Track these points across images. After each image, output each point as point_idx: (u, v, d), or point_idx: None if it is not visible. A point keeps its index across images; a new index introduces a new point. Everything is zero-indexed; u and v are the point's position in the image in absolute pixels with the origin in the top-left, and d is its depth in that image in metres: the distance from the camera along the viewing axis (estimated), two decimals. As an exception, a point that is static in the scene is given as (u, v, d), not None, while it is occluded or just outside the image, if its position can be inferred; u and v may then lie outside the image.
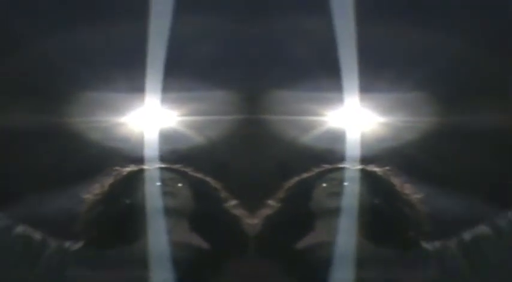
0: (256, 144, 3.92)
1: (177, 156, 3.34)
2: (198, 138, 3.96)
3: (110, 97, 3.86)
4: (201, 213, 2.60)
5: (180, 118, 3.95)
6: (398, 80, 3.99)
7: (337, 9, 3.74)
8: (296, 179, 2.71)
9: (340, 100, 3.87)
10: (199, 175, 2.73)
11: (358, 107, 3.97)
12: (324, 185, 2.66)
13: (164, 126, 3.89)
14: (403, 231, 2.62)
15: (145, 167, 2.70)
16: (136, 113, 3.87)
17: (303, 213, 2.63)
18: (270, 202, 2.67)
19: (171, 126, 3.93)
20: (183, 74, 3.85)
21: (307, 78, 3.99)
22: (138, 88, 3.70)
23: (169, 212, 2.55)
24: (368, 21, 3.78)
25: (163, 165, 2.73)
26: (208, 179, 2.72)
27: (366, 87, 3.85)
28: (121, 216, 2.56)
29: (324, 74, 3.90)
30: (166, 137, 3.77)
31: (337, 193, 2.62)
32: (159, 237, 2.49)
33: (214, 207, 2.63)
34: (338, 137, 3.85)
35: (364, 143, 3.70)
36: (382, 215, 2.60)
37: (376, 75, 3.93)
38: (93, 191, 2.63)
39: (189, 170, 2.73)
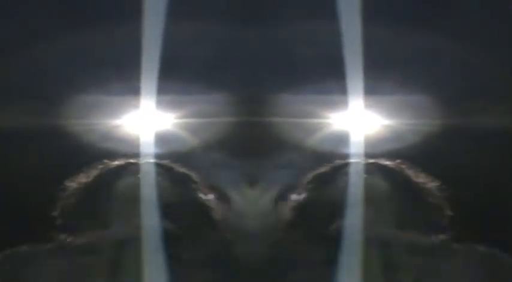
0: (257, 146, 3.88)
1: (176, 159, 3.32)
2: (197, 141, 3.94)
3: (104, 100, 3.86)
4: (179, 206, 2.62)
5: (179, 121, 3.93)
6: (404, 82, 3.96)
7: (342, 11, 3.73)
8: (313, 173, 2.69)
9: (345, 102, 3.84)
10: (185, 170, 2.75)
11: (363, 110, 3.93)
12: (344, 177, 2.68)
13: (163, 129, 3.88)
14: (425, 219, 2.66)
15: (133, 160, 2.74)
16: (132, 116, 3.86)
17: (325, 207, 2.63)
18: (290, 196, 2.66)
19: (170, 129, 3.92)
20: (184, 76, 3.84)
21: (311, 80, 3.96)
22: (133, 90, 3.69)
23: (148, 204, 2.57)
24: (373, 24, 3.76)
25: (151, 160, 2.76)
26: (193, 174, 2.73)
27: (371, 90, 3.82)
28: (100, 206, 2.57)
29: (327, 76, 3.87)
30: (164, 139, 3.76)
31: (357, 186, 2.65)
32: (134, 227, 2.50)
33: (193, 201, 2.64)
34: (342, 140, 3.81)
35: (369, 146, 3.67)
36: (404, 205, 2.66)
37: (381, 78, 3.90)
38: (77, 180, 2.62)
39: (175, 166, 2.76)
